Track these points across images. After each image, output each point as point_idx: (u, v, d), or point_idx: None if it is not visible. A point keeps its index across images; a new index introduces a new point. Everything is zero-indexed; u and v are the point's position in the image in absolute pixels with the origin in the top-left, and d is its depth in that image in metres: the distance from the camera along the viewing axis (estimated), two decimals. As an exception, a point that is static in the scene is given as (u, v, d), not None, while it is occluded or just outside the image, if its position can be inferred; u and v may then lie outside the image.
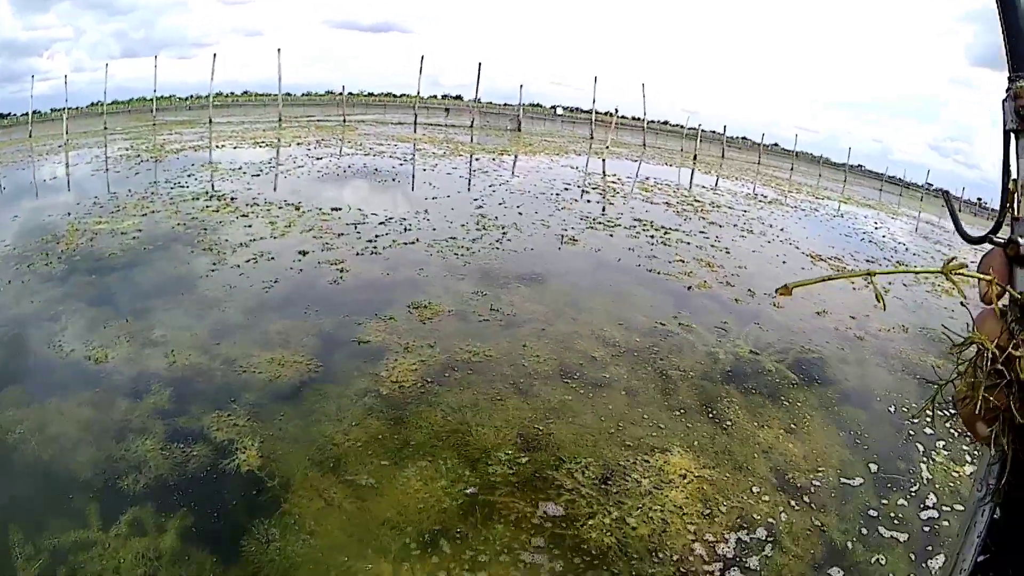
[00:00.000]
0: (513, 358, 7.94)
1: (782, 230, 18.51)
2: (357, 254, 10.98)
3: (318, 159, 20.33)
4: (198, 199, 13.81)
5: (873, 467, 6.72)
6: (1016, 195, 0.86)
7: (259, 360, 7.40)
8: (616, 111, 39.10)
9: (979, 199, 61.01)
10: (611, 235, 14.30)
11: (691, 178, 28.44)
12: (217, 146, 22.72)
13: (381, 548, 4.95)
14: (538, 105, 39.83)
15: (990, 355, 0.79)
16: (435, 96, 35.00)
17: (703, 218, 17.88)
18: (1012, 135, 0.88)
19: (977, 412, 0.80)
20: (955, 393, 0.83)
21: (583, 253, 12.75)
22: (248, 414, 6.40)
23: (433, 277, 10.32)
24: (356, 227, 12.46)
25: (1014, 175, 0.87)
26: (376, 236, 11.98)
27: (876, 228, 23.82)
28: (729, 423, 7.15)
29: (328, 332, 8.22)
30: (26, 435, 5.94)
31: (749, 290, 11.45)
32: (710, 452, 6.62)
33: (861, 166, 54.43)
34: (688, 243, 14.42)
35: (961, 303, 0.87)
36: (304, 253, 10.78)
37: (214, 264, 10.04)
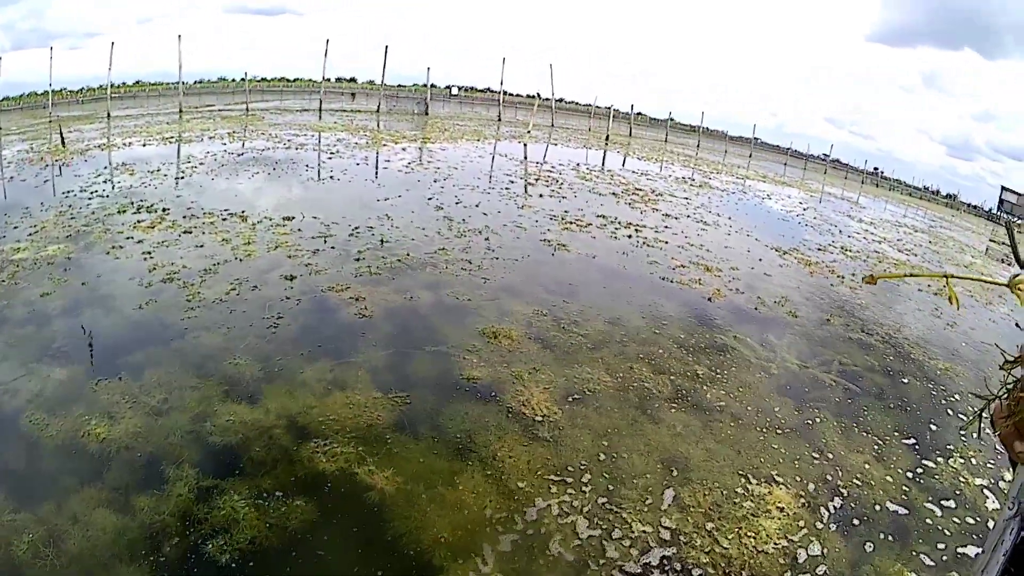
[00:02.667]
0: (625, 381, 7.64)
1: (730, 219, 19.09)
2: (355, 276, 9.64)
3: (239, 155, 18.55)
4: (125, 212, 11.88)
5: None
6: None
7: (333, 412, 6.19)
8: (539, 95, 38.20)
9: (876, 168, 63.91)
10: (592, 237, 13.90)
11: (623, 162, 29.17)
12: (124, 143, 20.27)
13: None
14: (434, 86, 38.38)
15: None
16: (330, 79, 32.73)
17: (655, 209, 18.19)
18: None
19: (1020, 428, 0.86)
20: (995, 412, 0.89)
21: (582, 260, 12.19)
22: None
23: (464, 297, 9.42)
24: (325, 240, 11.07)
25: None
26: (358, 252, 10.66)
27: (805, 210, 25.38)
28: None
29: (409, 371, 7.18)
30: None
31: (759, 297, 11.54)
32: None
33: (758, 139, 55.64)
34: (666, 242, 14.43)
35: (1016, 324, 0.98)
36: (291, 278, 9.30)
37: (188, 299, 8.34)
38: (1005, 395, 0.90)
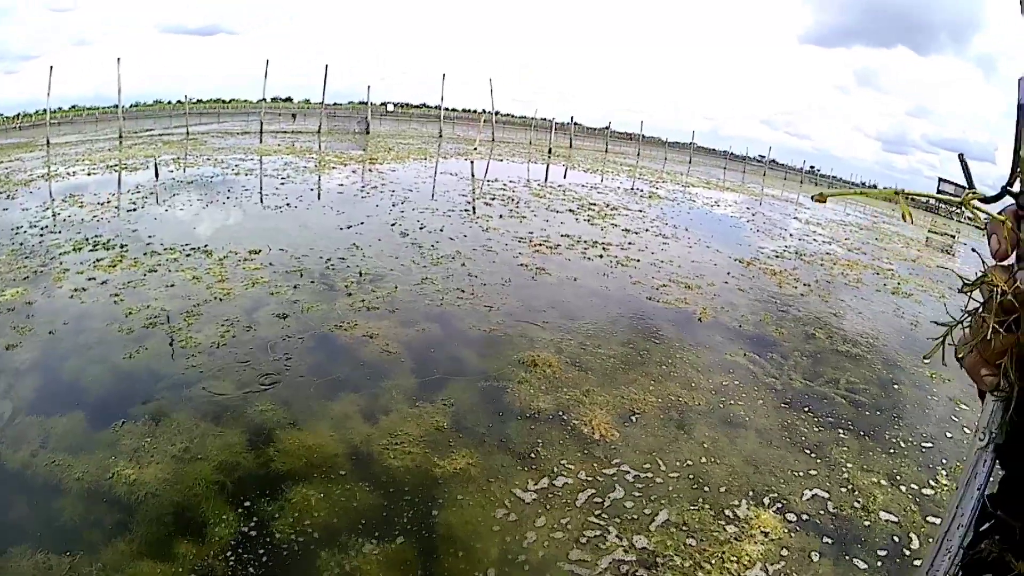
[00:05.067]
0: (669, 400, 8.00)
1: (687, 230, 19.56)
2: (355, 312, 9.42)
3: (189, 183, 18.04)
4: (81, 249, 11.31)
5: None
6: None
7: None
8: (485, 111, 38.09)
9: (812, 167, 65.42)
10: (566, 259, 13.92)
11: (564, 175, 29.60)
12: (68, 173, 19.40)
13: None
14: (364, 103, 38.14)
15: (1000, 292, 0.83)
16: (265, 99, 32.11)
17: (614, 225, 18.46)
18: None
19: (984, 354, 0.84)
20: (958, 347, 0.88)
21: (567, 284, 12.23)
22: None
23: (479, 327, 9.46)
24: (301, 275, 10.75)
25: None
26: (345, 287, 10.40)
27: (753, 215, 26.45)
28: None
29: (466, 409, 7.17)
30: None
31: (742, 315, 11.78)
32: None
33: (693, 144, 56.45)
34: (638, 260, 14.61)
35: (973, 249, 0.94)
36: (284, 316, 9.00)
37: (182, 346, 7.92)
38: (966, 320, 0.88)
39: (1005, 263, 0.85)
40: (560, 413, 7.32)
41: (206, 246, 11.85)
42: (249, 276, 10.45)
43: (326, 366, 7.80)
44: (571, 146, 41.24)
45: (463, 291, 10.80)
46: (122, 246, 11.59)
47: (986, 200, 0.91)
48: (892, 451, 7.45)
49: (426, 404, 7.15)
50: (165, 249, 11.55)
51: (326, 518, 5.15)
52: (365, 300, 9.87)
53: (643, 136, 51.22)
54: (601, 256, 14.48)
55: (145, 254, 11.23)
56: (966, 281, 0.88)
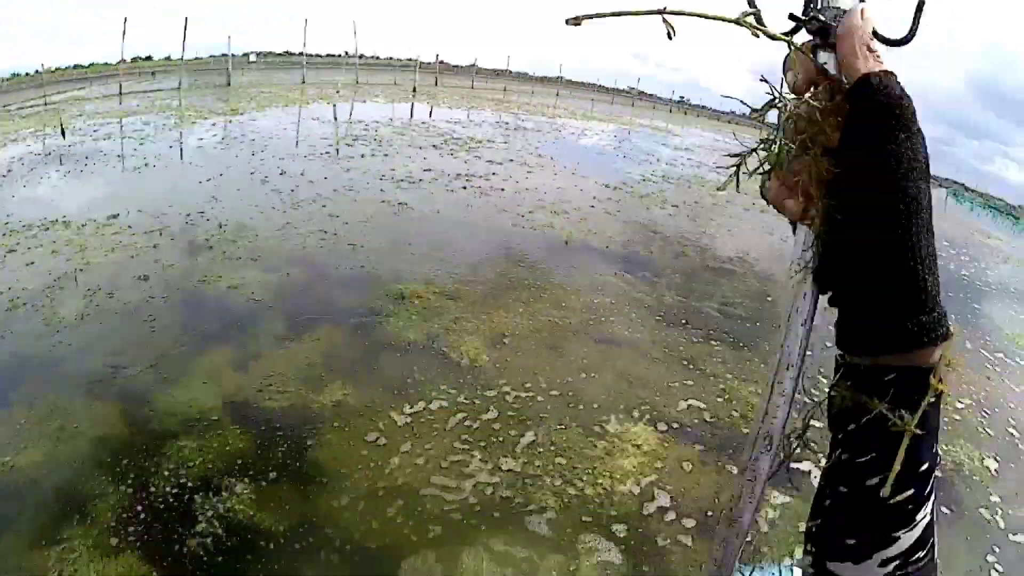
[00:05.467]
0: (540, 322, 8.46)
1: (552, 159, 20.13)
2: (218, 263, 9.44)
3: (47, 155, 17.05)
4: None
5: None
6: None
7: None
8: (346, 52, 37.38)
9: (682, 97, 66.36)
10: (431, 192, 14.26)
11: (430, 112, 29.28)
12: None
13: None
14: (232, 55, 36.76)
15: (792, 113, 0.82)
16: (126, 60, 30.69)
17: (478, 157, 18.85)
18: None
19: (784, 181, 0.85)
20: (760, 183, 0.89)
21: (431, 216, 12.61)
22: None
23: (344, 267, 9.78)
24: (161, 233, 10.57)
25: None
26: (205, 241, 10.38)
27: (621, 142, 27.27)
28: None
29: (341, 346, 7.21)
30: None
31: (609, 236, 12.37)
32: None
33: (563, 77, 56.57)
34: (502, 189, 15.16)
35: (762, 78, 0.87)
36: (145, 278, 8.93)
37: (46, 324, 7.74)
38: (761, 146, 0.87)
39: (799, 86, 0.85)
40: (431, 342, 7.64)
41: (64, 217, 11.47)
42: (108, 242, 10.23)
43: (193, 322, 7.86)
44: (436, 84, 40.89)
45: (325, 232, 10.90)
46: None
47: (779, 37, 0.88)
48: (769, 360, 8.03)
49: (296, 345, 7.37)
50: (24, 227, 11.15)
51: (201, 466, 5.29)
52: (227, 251, 9.88)
53: (511, 72, 51.17)
54: (465, 188, 14.78)
55: (3, 235, 10.88)
56: (755, 108, 0.86)
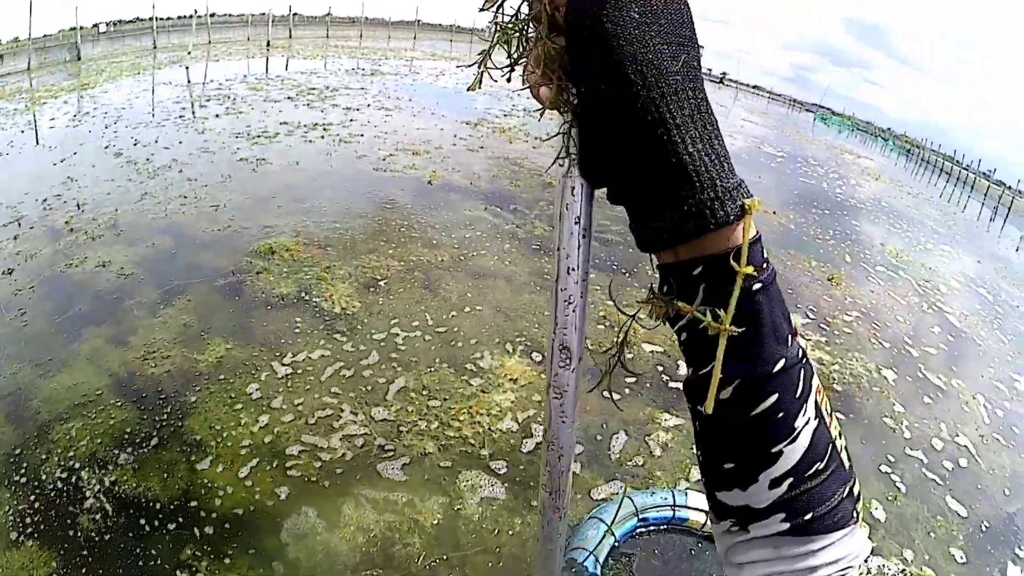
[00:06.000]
0: (411, 262, 8.57)
1: (411, 101, 20.42)
2: (81, 245, 9.23)
3: None
4: None
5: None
6: None
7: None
8: (195, 12, 36.09)
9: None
10: (287, 145, 14.15)
11: (287, 65, 28.95)
12: None
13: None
14: (81, 28, 35.03)
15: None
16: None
17: (335, 105, 18.87)
18: None
19: (537, 68, 0.76)
20: (523, 72, 0.80)
21: (290, 170, 12.61)
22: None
23: (210, 229, 9.50)
24: (19, 224, 10.19)
25: None
26: (65, 224, 10.14)
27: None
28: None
29: (213, 308, 7.02)
30: None
31: (474, 172, 12.87)
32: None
33: (418, 20, 55.76)
34: (362, 135, 15.26)
35: None
36: (10, 272, 8.60)
37: None
38: (507, 32, 0.82)
39: None
40: (303, 294, 7.78)
41: None
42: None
43: (65, 307, 7.65)
44: (291, 36, 40.10)
45: (185, 197, 10.80)
46: None
47: None
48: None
49: (170, 311, 7.42)
50: None
51: (89, 445, 5.33)
52: (88, 231, 9.65)
53: (366, 18, 50.36)
54: (323, 137, 14.81)
55: None
56: None
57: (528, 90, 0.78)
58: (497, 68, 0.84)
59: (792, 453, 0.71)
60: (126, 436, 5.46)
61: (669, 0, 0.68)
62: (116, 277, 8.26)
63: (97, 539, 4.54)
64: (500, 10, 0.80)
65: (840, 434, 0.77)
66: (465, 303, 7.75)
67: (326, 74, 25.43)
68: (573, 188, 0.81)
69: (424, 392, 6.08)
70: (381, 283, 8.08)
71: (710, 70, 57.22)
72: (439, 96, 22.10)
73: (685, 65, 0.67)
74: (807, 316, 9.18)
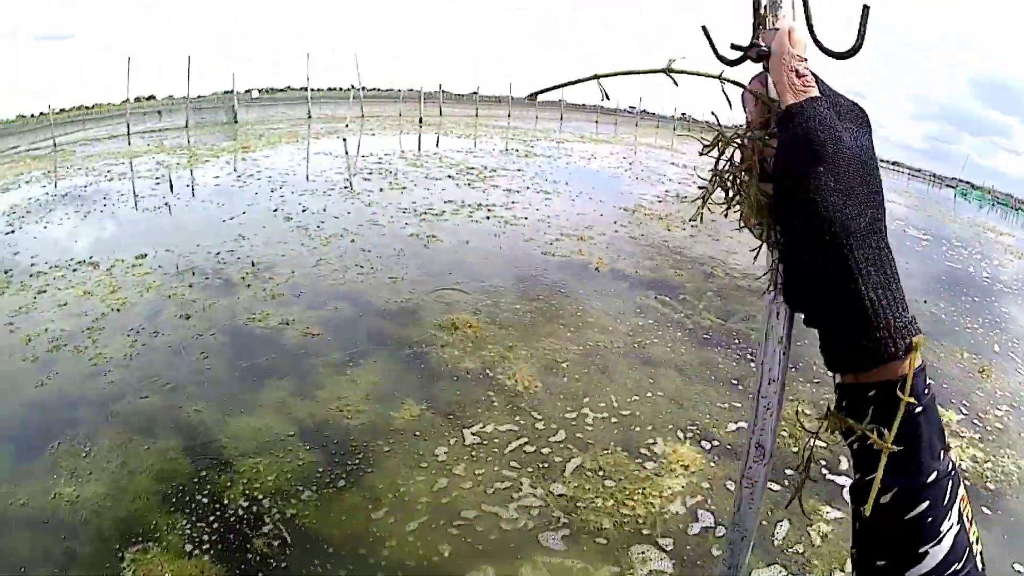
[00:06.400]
0: (588, 347, 7.91)
1: (567, 184, 20.23)
2: (262, 302, 9.41)
3: (64, 196, 17.16)
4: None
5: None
6: (767, 18, 0.91)
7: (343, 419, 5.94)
8: (354, 87, 37.40)
9: (684, 114, 66.59)
10: (455, 224, 14.21)
11: (437, 143, 29.50)
12: None
13: None
14: (229, 92, 36.71)
15: (740, 147, 0.90)
16: (128, 99, 30.65)
17: (495, 186, 18.95)
18: None
19: (743, 208, 0.91)
20: (745, 216, 0.93)
21: (461, 247, 12.59)
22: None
23: (391, 300, 9.61)
24: (193, 273, 10.56)
25: (764, 1, 0.91)
26: (241, 279, 10.34)
27: (631, 164, 27.44)
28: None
29: (400, 373, 6.91)
30: None
31: (637, 261, 12.38)
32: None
33: (562, 100, 56.62)
34: (525, 218, 15.13)
35: (713, 114, 0.94)
36: (187, 317, 8.94)
37: (93, 363, 7.69)
38: (717, 177, 0.94)
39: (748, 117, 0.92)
40: (486, 370, 7.73)
41: (91, 258, 11.45)
42: (140, 282, 10.23)
43: (248, 357, 7.88)
44: (441, 114, 41.22)
45: (361, 267, 10.93)
46: (6, 271, 11.09)
47: (730, 62, 0.95)
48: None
49: (358, 371, 7.53)
50: (51, 268, 11.10)
51: (274, 481, 5.54)
52: (267, 289, 9.89)
53: (512, 98, 51.35)
54: (488, 218, 14.80)
55: (31, 276, 10.77)
56: (705, 142, 0.93)
57: (743, 226, 0.95)
58: (717, 203, 0.96)
59: (937, 554, 0.79)
60: (311, 477, 5.69)
61: (859, 165, 0.80)
62: (301, 335, 8.46)
63: (272, 564, 4.75)
64: (719, 159, 0.92)
65: (977, 539, 0.83)
66: (639, 389, 7.56)
67: (482, 154, 25.76)
68: (778, 312, 0.96)
69: (600, 472, 6.04)
70: (561, 365, 7.98)
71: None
72: (593, 180, 22.11)
73: (870, 220, 0.80)
74: (960, 411, 8.52)
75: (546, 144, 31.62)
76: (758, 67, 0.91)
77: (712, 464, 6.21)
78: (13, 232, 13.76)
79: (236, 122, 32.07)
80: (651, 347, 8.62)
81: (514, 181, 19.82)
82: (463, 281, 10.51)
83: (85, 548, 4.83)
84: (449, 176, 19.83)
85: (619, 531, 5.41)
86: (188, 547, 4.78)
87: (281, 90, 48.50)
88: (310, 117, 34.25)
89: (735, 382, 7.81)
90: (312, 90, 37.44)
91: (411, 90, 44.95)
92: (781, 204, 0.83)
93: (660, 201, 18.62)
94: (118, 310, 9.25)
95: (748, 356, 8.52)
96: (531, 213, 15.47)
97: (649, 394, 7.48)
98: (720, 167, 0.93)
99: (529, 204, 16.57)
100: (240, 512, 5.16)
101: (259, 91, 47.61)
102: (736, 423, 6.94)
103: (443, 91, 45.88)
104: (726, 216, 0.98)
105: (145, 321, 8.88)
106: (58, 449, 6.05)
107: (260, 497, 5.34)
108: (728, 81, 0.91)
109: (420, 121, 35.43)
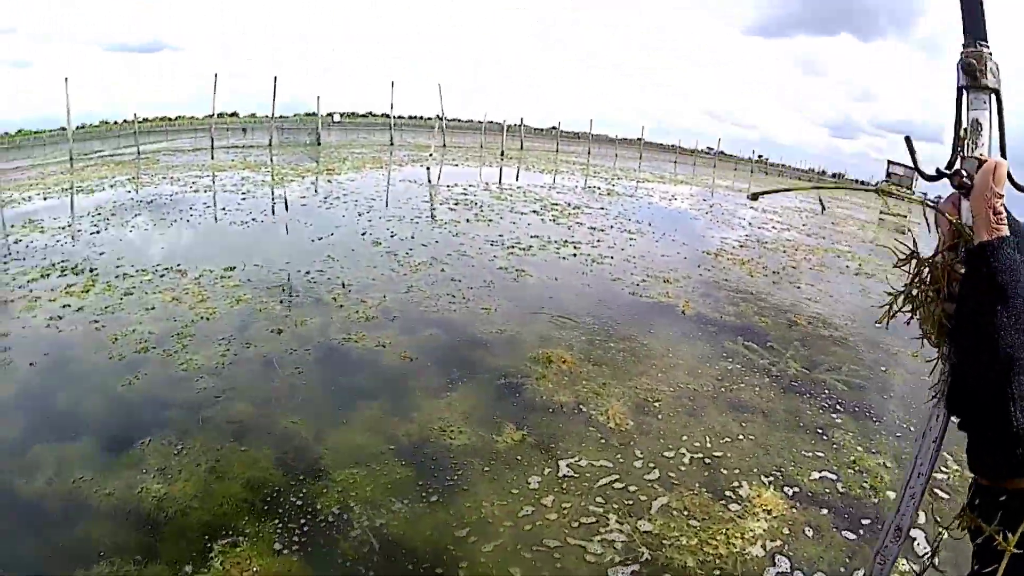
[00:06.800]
0: (679, 389, 8.00)
1: (650, 225, 19.99)
2: (356, 323, 9.32)
3: (149, 202, 17.57)
4: (49, 275, 10.85)
5: None
6: (966, 140, 1.02)
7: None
8: (439, 116, 37.78)
9: (760, 156, 66.45)
10: (544, 260, 14.02)
11: (517, 176, 29.71)
12: (23, 198, 18.54)
13: None
14: (313, 114, 37.35)
15: (928, 269, 1.04)
16: (211, 115, 31.41)
17: (579, 223, 18.74)
18: (962, 91, 1.04)
19: (922, 319, 1.05)
20: (923, 320, 1.06)
21: (550, 284, 12.35)
22: None
23: (484, 330, 9.58)
24: (283, 289, 10.64)
25: (964, 124, 1.02)
26: (333, 298, 10.32)
27: (711, 207, 27.34)
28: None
29: (500, 402, 6.82)
30: None
31: (723, 307, 12.09)
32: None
33: (642, 139, 56.79)
34: (611, 257, 14.90)
35: (906, 229, 1.25)
36: (279, 332, 8.91)
37: (184, 369, 7.68)
38: (905, 290, 1.06)
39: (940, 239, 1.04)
40: (579, 405, 7.61)
41: (179, 265, 11.55)
42: (230, 294, 10.24)
43: (345, 375, 7.88)
44: (522, 148, 41.53)
45: (453, 296, 10.83)
46: (92, 270, 11.20)
47: (929, 178, 1.06)
48: (898, 434, 7.70)
49: (453, 395, 7.51)
50: (137, 271, 11.20)
51: (368, 491, 5.63)
52: (360, 311, 9.82)
53: (592, 134, 51.48)
54: (575, 255, 14.60)
55: (117, 277, 10.87)
56: (900, 256, 1.06)
57: (923, 336, 1.07)
58: (903, 312, 1.09)
59: None
60: (405, 490, 5.78)
61: None
62: (399, 358, 8.40)
63: (356, 562, 4.86)
64: (913, 277, 1.07)
65: None
66: (727, 433, 7.42)
67: (564, 190, 25.81)
68: (938, 416, 1.09)
69: (685, 512, 5.96)
70: (652, 405, 7.84)
71: (925, 194, 55.54)
72: (675, 221, 21.84)
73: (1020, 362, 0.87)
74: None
75: (627, 183, 31.55)
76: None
77: (794, 510, 6.06)
78: (99, 233, 13.99)
79: (319, 144, 32.52)
80: (739, 392, 8.46)
81: (598, 219, 19.64)
82: (555, 316, 10.36)
83: (168, 542, 4.91)
84: (534, 211, 19.77)
85: (702, 569, 5.36)
86: (278, 546, 4.89)
87: (363, 115, 49.25)
88: (392, 143, 34.63)
89: (820, 431, 7.55)
90: (395, 118, 37.90)
91: (491, 122, 45.35)
92: (960, 329, 0.94)
93: (741, 246, 18.25)
94: (207, 319, 9.23)
95: (836, 407, 8.23)
96: (616, 252, 15.26)
97: (737, 438, 7.36)
98: (909, 282, 1.06)
99: (614, 243, 16.37)
100: (330, 519, 5.25)
101: (340, 115, 48.44)
102: (819, 472, 6.71)
103: (524, 125, 46.11)
104: (908, 324, 1.08)
105: (235, 332, 8.83)
106: (148, 447, 6.09)
107: (352, 505, 5.44)
108: (928, 204, 1.05)
109: (502, 154, 35.64)
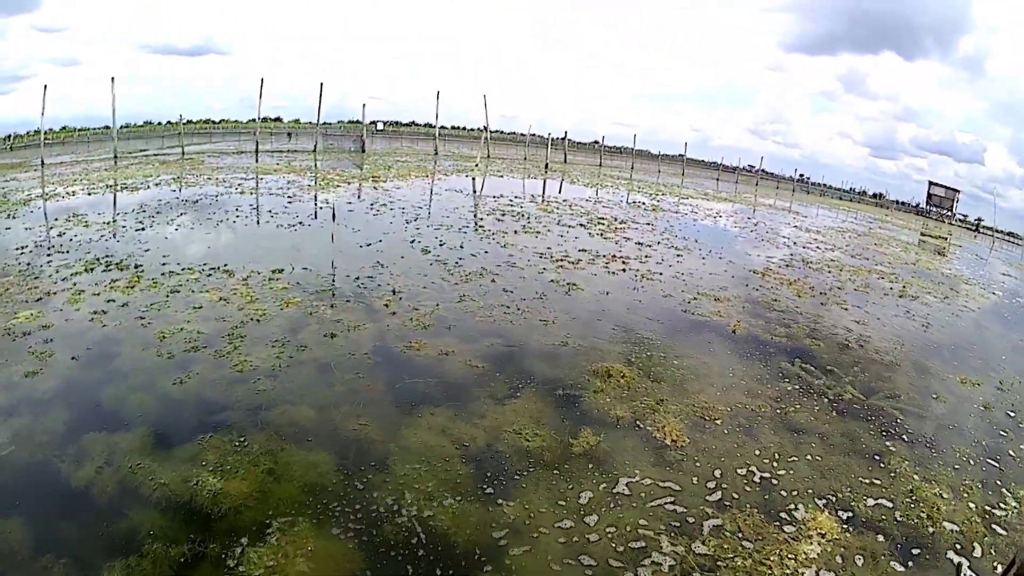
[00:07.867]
0: (736, 408, 8.03)
1: (696, 242, 19.71)
2: (414, 331, 9.36)
3: (195, 202, 17.66)
4: (93, 269, 10.89)
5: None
6: None
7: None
8: (485, 128, 37.76)
9: (802, 175, 66.00)
10: (592, 273, 13.83)
11: (559, 189, 29.89)
12: (68, 193, 18.83)
13: None
14: (359, 122, 37.49)
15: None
16: (255, 119, 31.61)
17: (627, 239, 18.47)
18: None
19: None
20: None
21: (601, 298, 12.24)
22: None
23: (543, 343, 9.55)
24: (332, 294, 10.53)
25: None
26: (385, 304, 10.27)
27: (756, 225, 26.86)
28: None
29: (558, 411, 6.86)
30: None
31: (774, 327, 11.89)
32: None
33: (684, 156, 56.53)
34: (661, 273, 14.70)
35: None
36: (332, 336, 8.83)
37: (239, 370, 7.63)
38: None
39: None
40: (636, 420, 7.54)
41: (225, 265, 11.49)
42: (279, 296, 10.14)
43: (406, 380, 7.82)
44: (566, 161, 41.54)
45: (507, 307, 10.70)
46: (136, 266, 11.17)
47: None
48: (956, 466, 7.47)
49: (516, 403, 7.56)
50: (183, 269, 11.15)
51: (424, 486, 5.89)
52: (414, 318, 9.73)
53: (635, 150, 51.30)
54: (624, 270, 14.44)
55: (163, 274, 10.81)
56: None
57: None
58: None
59: None
60: (460, 489, 5.94)
61: None
62: (464, 366, 8.41)
63: (396, 544, 5.16)
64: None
65: None
66: (783, 454, 7.32)
67: (610, 204, 25.90)
68: None
69: (739, 533, 5.90)
70: (710, 422, 7.78)
71: (965, 216, 54.98)
72: (721, 239, 21.56)
73: None
74: None
75: (671, 199, 31.41)
76: None
77: (848, 534, 5.95)
78: (143, 230, 14.03)
79: (363, 151, 32.63)
80: (794, 414, 8.32)
81: (645, 235, 19.41)
82: (613, 331, 10.23)
83: (225, 520, 5.19)
84: (580, 224, 19.63)
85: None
86: (335, 530, 5.19)
87: (406, 125, 49.44)
88: (436, 153, 34.70)
89: (877, 458, 7.38)
90: (440, 128, 37.99)
91: (533, 135, 45.29)
92: None
93: (787, 265, 17.92)
94: (257, 320, 9.13)
95: (892, 433, 8.08)
96: (665, 269, 15.03)
97: (792, 459, 7.24)
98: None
99: (662, 259, 16.15)
100: (382, 510, 5.49)
101: (383, 123, 48.64)
102: (875, 499, 6.56)
103: (568, 140, 46.04)
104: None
105: (288, 335, 8.72)
106: (207, 442, 6.13)
107: (407, 495, 5.70)
108: None
109: (546, 167, 35.59)
